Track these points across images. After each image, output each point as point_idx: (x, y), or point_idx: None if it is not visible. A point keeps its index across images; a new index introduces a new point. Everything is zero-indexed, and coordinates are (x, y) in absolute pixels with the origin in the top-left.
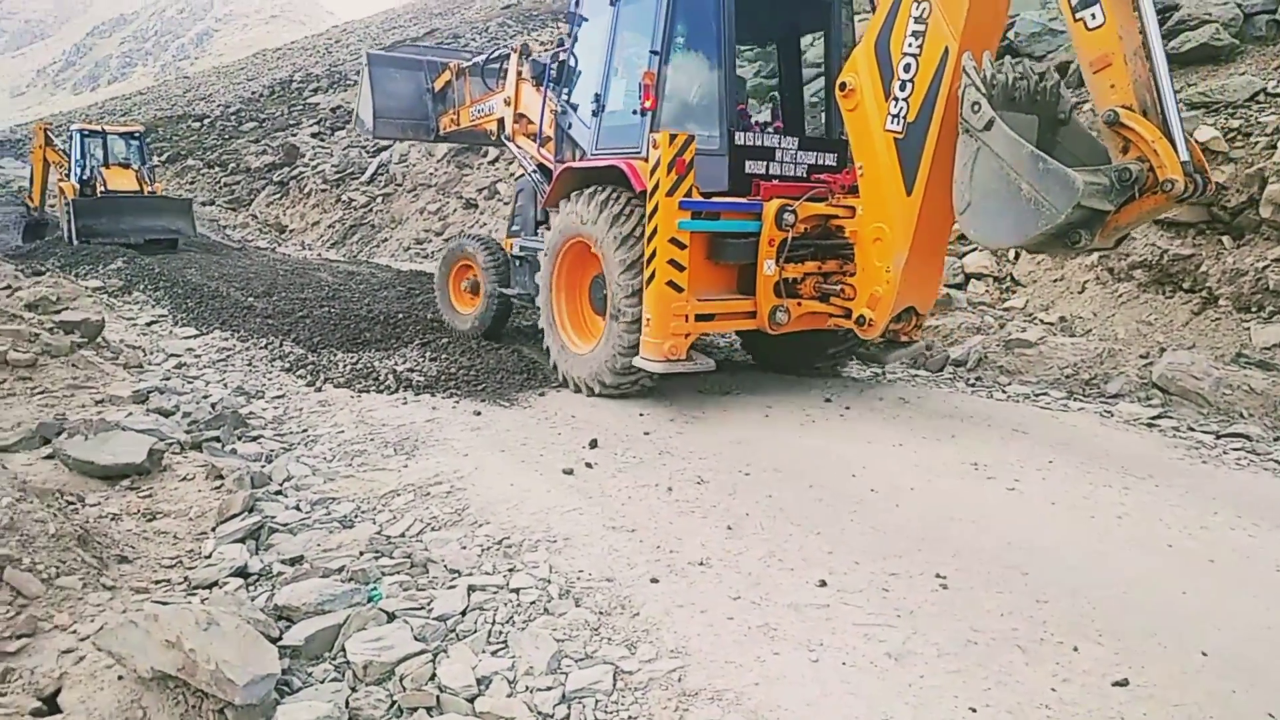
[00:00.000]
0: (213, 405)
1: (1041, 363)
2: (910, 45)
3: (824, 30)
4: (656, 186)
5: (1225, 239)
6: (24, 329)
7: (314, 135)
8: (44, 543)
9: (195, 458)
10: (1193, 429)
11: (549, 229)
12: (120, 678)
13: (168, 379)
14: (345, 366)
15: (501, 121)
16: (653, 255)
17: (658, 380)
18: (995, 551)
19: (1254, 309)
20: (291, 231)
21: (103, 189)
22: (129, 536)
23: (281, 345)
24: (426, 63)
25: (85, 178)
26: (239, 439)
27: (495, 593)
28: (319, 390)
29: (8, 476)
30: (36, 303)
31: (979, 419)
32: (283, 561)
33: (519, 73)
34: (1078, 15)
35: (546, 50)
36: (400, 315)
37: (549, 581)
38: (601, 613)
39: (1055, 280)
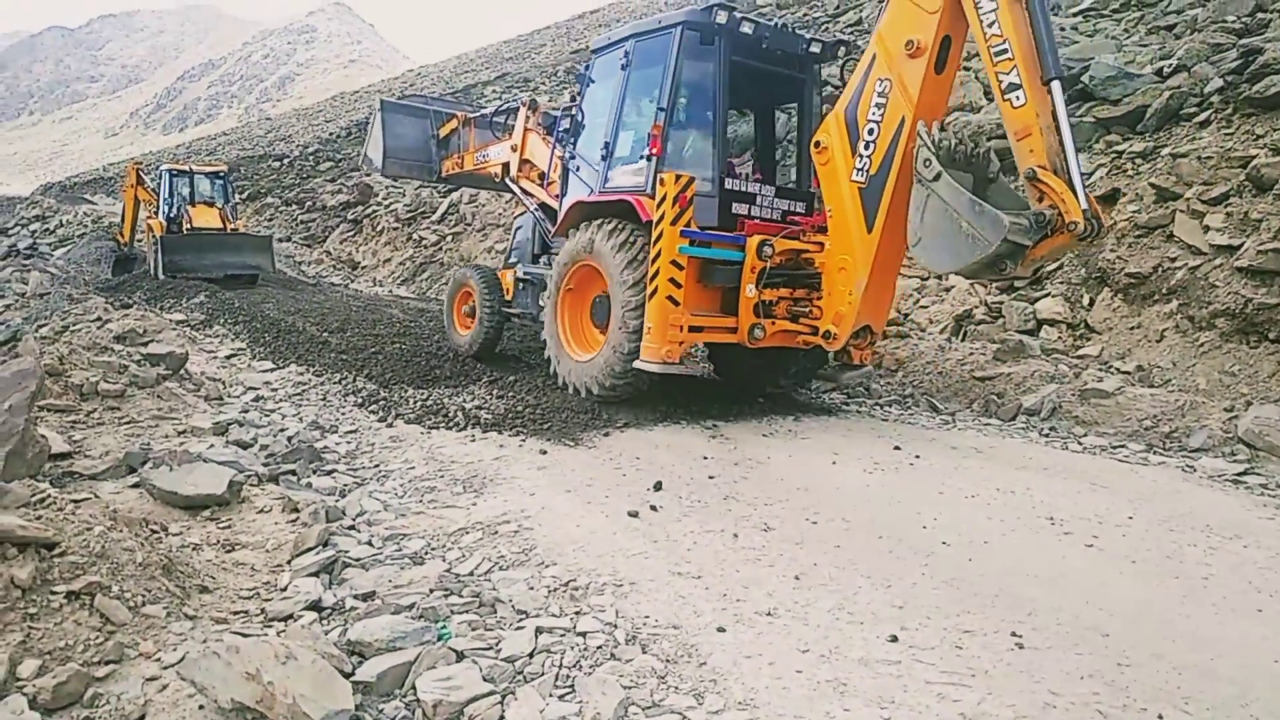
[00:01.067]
0: (289, 439)
1: (1119, 414)
2: (874, 114)
3: (797, 102)
4: (662, 217)
5: None
6: (114, 361)
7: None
8: (131, 571)
9: (272, 490)
10: None
11: (555, 255)
12: (201, 707)
13: (246, 411)
14: (416, 402)
15: (506, 166)
16: (655, 274)
17: (647, 385)
18: (1074, 611)
19: None
20: (364, 268)
21: (189, 226)
22: (209, 567)
23: (355, 380)
24: (433, 111)
25: (172, 215)
26: (314, 473)
27: (562, 635)
28: (390, 426)
29: (100, 505)
30: (125, 334)
31: (1054, 471)
32: (355, 596)
33: (527, 123)
34: (1005, 96)
35: (554, 106)
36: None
37: (615, 626)
38: (668, 660)
39: (1132, 328)
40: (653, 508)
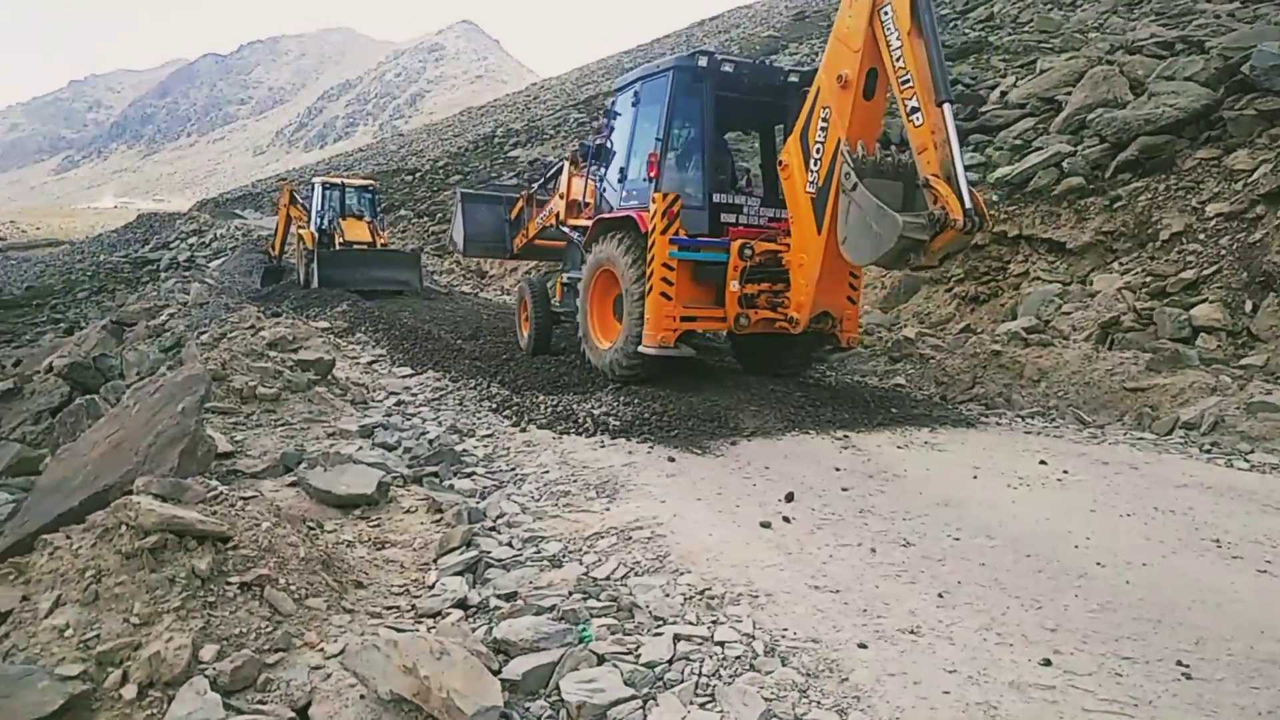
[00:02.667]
0: (430, 442)
1: None
2: (819, 136)
3: (783, 122)
4: (654, 229)
5: None
6: (269, 367)
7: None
8: (295, 565)
9: (416, 491)
10: None
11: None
12: (362, 697)
13: (389, 415)
14: (546, 408)
15: (558, 215)
16: (650, 274)
17: (657, 369)
18: (1247, 640)
19: None
20: (491, 277)
21: (340, 240)
22: (362, 563)
23: (488, 386)
24: (505, 198)
25: (323, 226)
26: (454, 475)
27: (700, 644)
28: (524, 430)
29: (265, 502)
30: (277, 342)
31: (1219, 490)
32: (499, 596)
33: (570, 169)
34: (909, 117)
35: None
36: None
37: (753, 637)
38: (809, 674)
39: None
40: (785, 519)
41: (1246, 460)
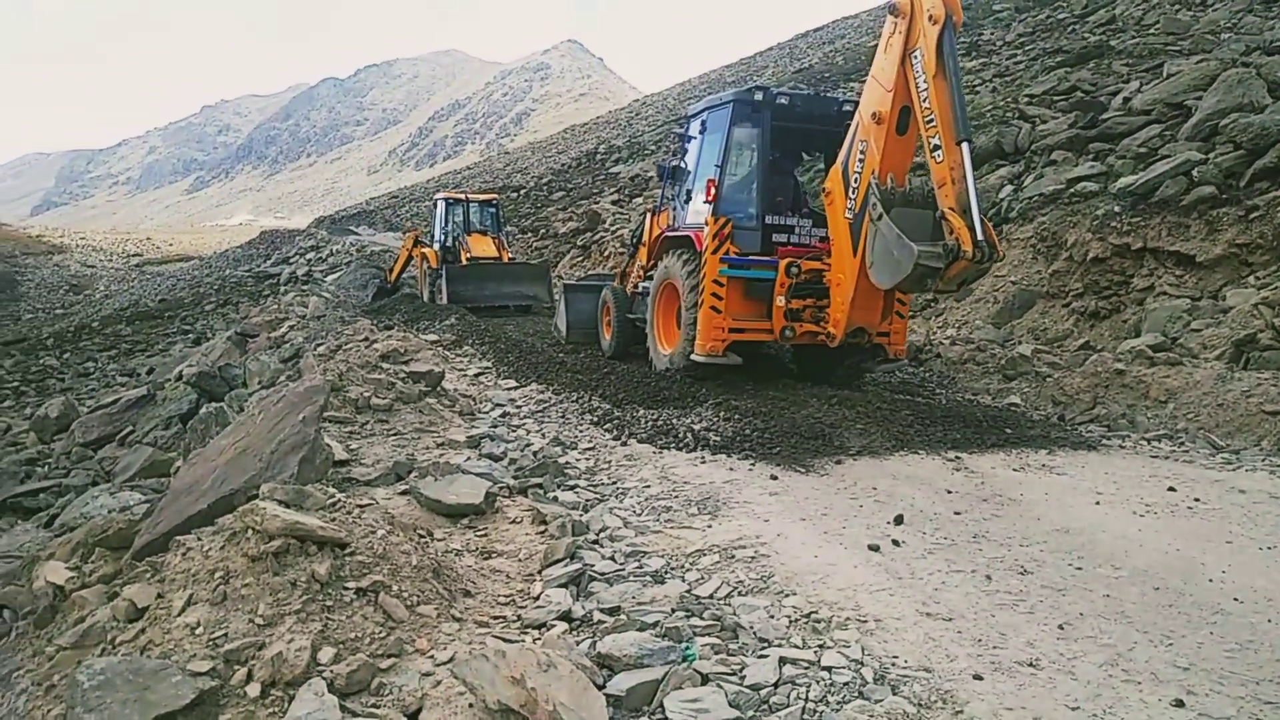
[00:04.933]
0: (534, 453)
1: None
2: (857, 167)
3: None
4: (706, 248)
5: None
6: (382, 378)
7: (614, 202)
8: (408, 573)
9: (521, 502)
10: None
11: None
12: (471, 705)
13: (495, 427)
14: (647, 423)
15: (642, 267)
16: (703, 289)
17: (715, 370)
18: None
19: None
20: None
21: (467, 255)
22: (469, 572)
23: (590, 399)
24: (606, 285)
25: (448, 244)
26: (559, 487)
27: (807, 668)
28: (624, 444)
29: (379, 510)
30: (389, 354)
31: None
32: (602, 610)
33: (651, 214)
34: (932, 154)
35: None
36: (695, 374)
37: (862, 664)
38: (921, 705)
39: None
40: (895, 542)
41: None
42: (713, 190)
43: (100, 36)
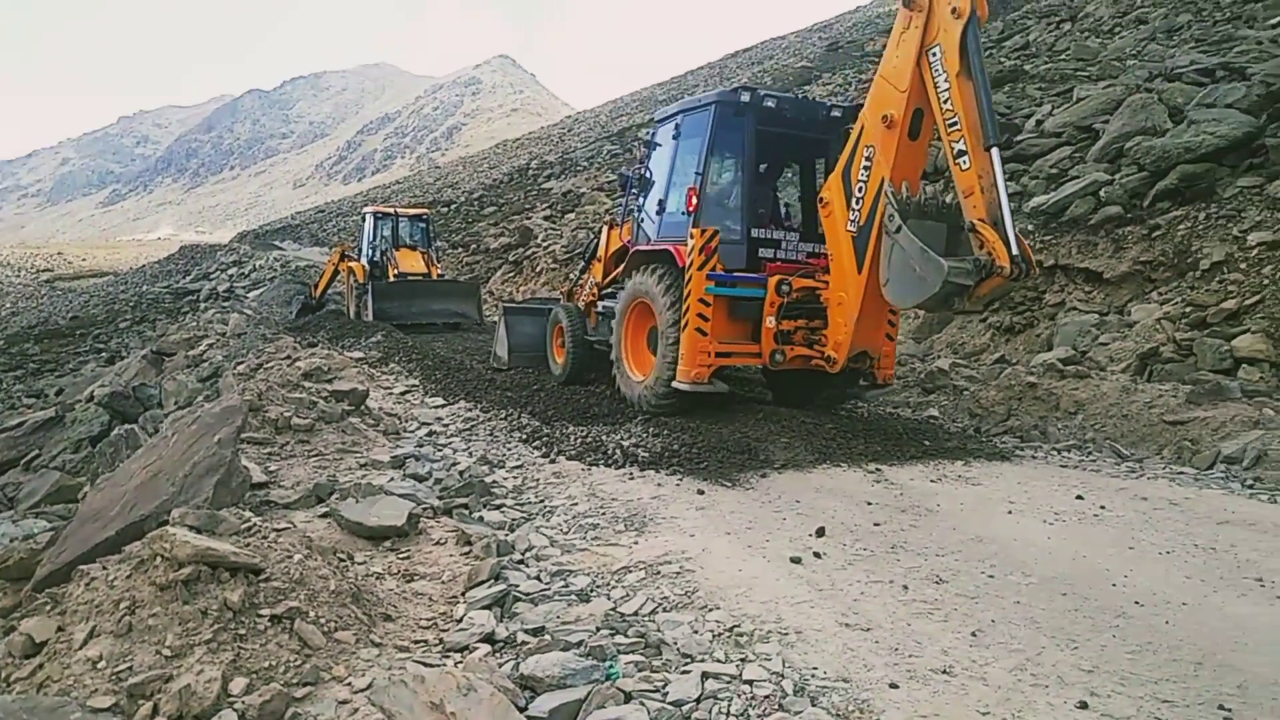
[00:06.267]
0: (460, 473)
1: None
2: (862, 175)
3: (824, 158)
4: (691, 264)
5: None
6: (304, 397)
7: (546, 218)
8: (325, 598)
9: (446, 523)
10: None
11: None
12: None
13: (421, 446)
14: (576, 439)
15: (597, 286)
16: (686, 310)
17: (689, 404)
18: None
19: None
20: None
21: (395, 271)
22: (391, 596)
23: (519, 417)
24: (547, 309)
25: (375, 259)
26: (484, 507)
27: (729, 682)
28: (553, 461)
29: (298, 534)
30: (312, 372)
31: (1263, 527)
32: (526, 631)
33: (609, 226)
34: (956, 160)
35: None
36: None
37: (783, 676)
38: (839, 715)
39: None
40: (816, 554)
41: None
42: (694, 200)
43: (8, 42)
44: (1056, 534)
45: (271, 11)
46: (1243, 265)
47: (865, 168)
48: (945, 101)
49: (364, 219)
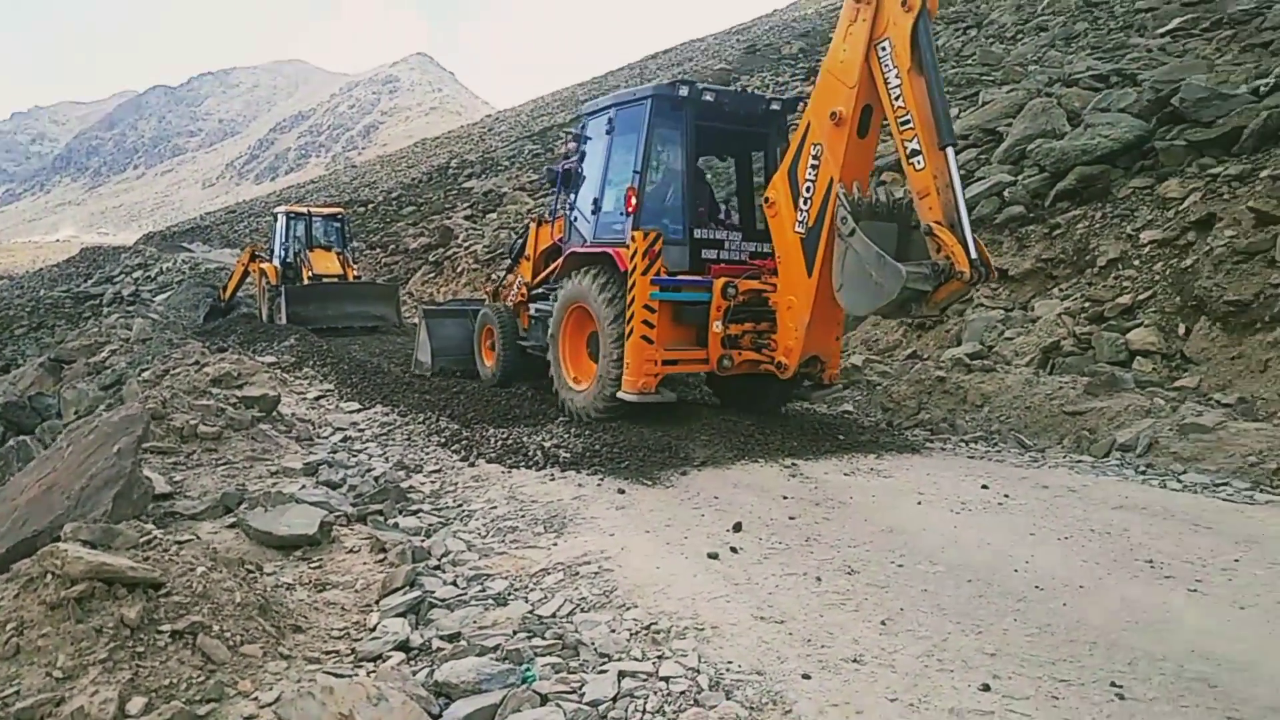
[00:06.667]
0: (376, 479)
1: (1221, 449)
2: (810, 175)
3: (764, 150)
4: (634, 268)
5: None
6: (212, 404)
7: (467, 218)
8: (231, 611)
9: (360, 530)
10: None
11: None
12: None
13: (335, 452)
14: (496, 441)
15: (526, 286)
16: (631, 316)
17: (659, 412)
18: (1178, 660)
19: None
20: None
21: (309, 273)
22: (301, 606)
23: (438, 420)
24: (470, 310)
25: (288, 260)
26: (400, 513)
27: (645, 680)
28: (472, 465)
29: (201, 546)
30: (221, 378)
31: (1153, 511)
32: (441, 637)
33: (537, 224)
34: (909, 160)
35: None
36: (547, 391)
37: (698, 671)
38: (753, 708)
39: (1233, 358)
40: (733, 549)
41: (1179, 481)
42: (634, 201)
43: None
44: (963, 523)
45: (177, 5)
46: (1136, 262)
47: (813, 166)
48: (897, 98)
49: (276, 219)
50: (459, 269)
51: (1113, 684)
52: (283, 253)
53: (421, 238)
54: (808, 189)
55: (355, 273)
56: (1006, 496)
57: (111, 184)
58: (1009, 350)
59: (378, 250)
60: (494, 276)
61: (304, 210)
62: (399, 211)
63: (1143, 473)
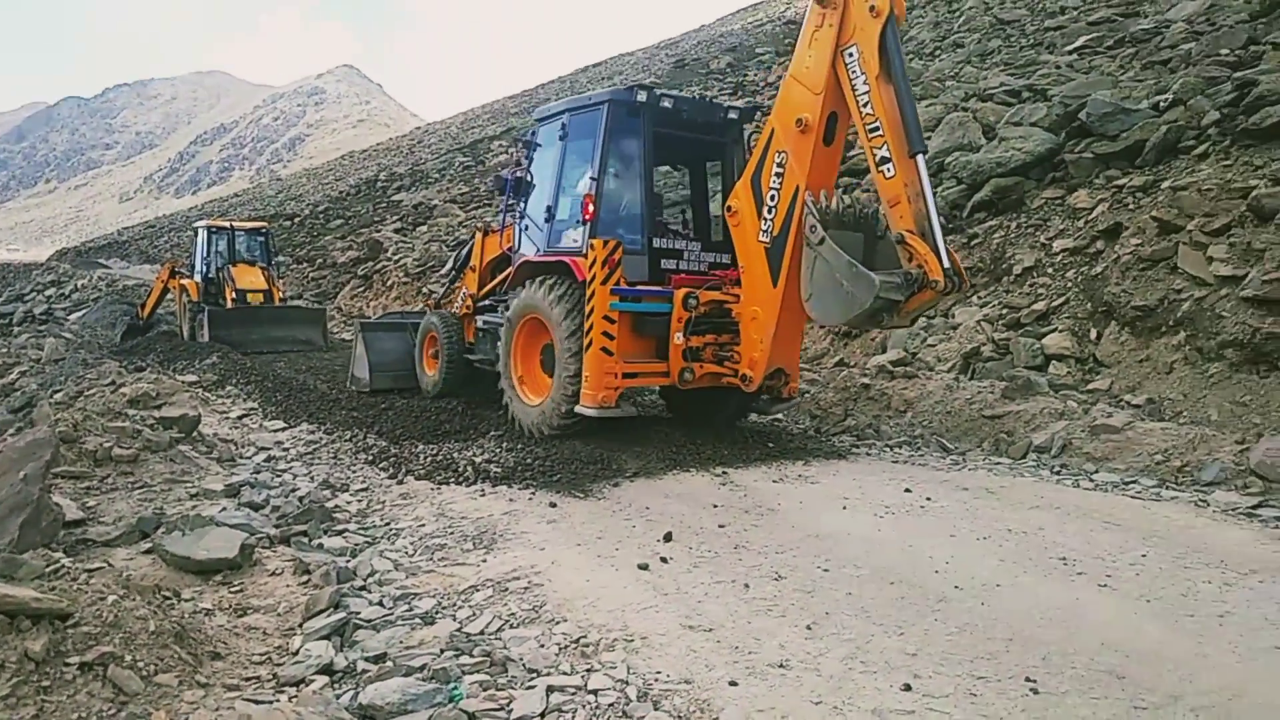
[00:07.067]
0: (300, 499)
1: (1130, 449)
2: (774, 182)
3: (721, 159)
4: (594, 278)
5: None
6: (127, 426)
7: (396, 231)
8: (144, 640)
9: (284, 552)
10: None
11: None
12: None
13: (258, 472)
14: (426, 458)
15: (472, 296)
16: (590, 328)
17: (595, 425)
18: (1088, 653)
19: None
20: None
21: (233, 289)
22: (221, 632)
23: (365, 438)
24: (409, 324)
25: (210, 275)
26: (325, 533)
27: (574, 694)
28: (401, 483)
29: (112, 574)
30: (138, 398)
31: (1066, 510)
32: (367, 659)
33: (483, 233)
34: (879, 168)
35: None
36: (478, 406)
37: (627, 683)
38: (680, 717)
39: (1140, 360)
40: (663, 559)
41: (1091, 480)
42: (591, 208)
43: None
44: (886, 526)
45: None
46: (1049, 270)
47: (777, 174)
48: (865, 105)
49: (197, 233)
50: (389, 282)
51: (1027, 679)
52: (204, 268)
53: (350, 251)
54: (772, 197)
55: (281, 292)
56: (929, 499)
57: (21, 198)
58: (931, 356)
59: (305, 265)
60: (427, 290)
61: (226, 225)
62: (326, 225)
63: (1057, 473)
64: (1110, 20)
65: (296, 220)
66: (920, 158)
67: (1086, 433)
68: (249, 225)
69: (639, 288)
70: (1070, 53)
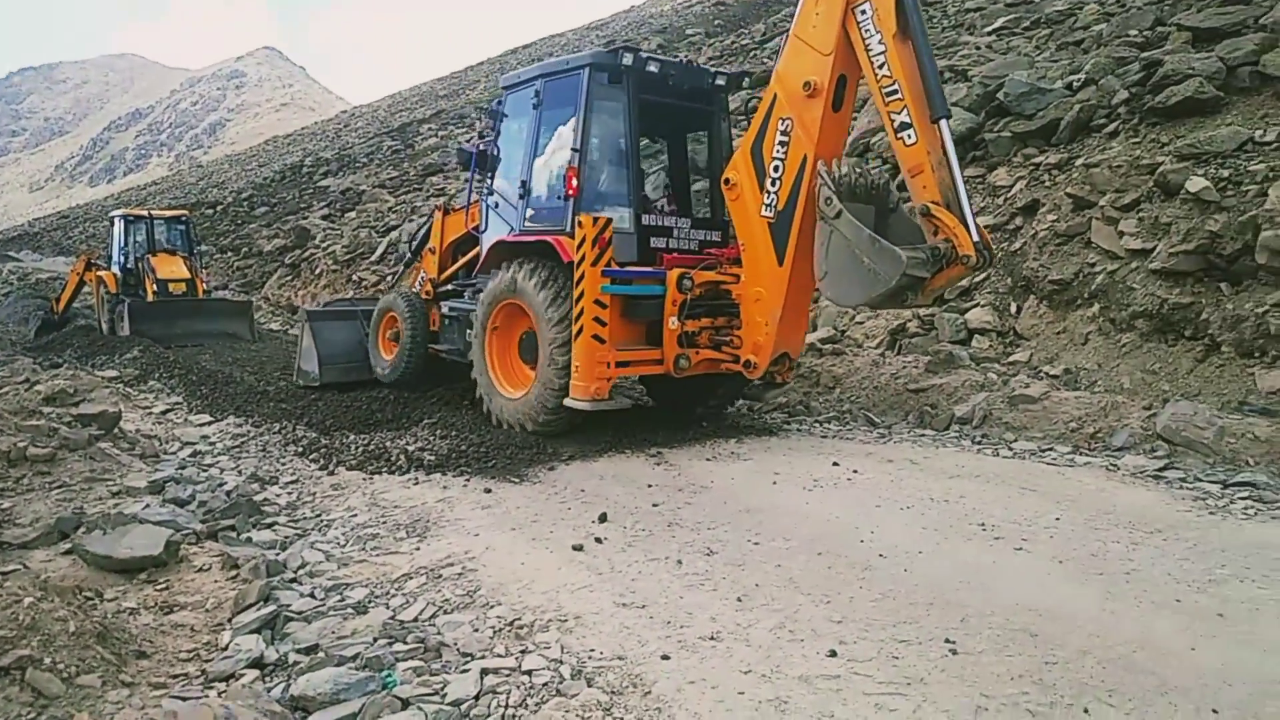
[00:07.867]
0: (227, 493)
1: (1046, 418)
2: (778, 152)
3: (707, 130)
4: (583, 259)
5: (1223, 286)
6: (43, 424)
7: (324, 217)
8: (64, 641)
9: (211, 547)
10: (1199, 479)
11: (479, 293)
12: None
13: (183, 468)
14: (357, 448)
15: (432, 282)
16: (580, 314)
17: (582, 419)
18: (1004, 614)
19: (1257, 354)
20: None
21: (154, 279)
22: (147, 631)
23: (295, 429)
24: (360, 311)
25: (128, 266)
26: (254, 527)
27: (508, 675)
28: (332, 474)
29: (29, 575)
30: (55, 396)
31: (986, 478)
32: (298, 651)
33: (443, 213)
34: (898, 135)
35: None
36: (410, 393)
37: (561, 662)
38: (613, 692)
39: (1058, 333)
40: (597, 540)
41: (1010, 449)
42: (575, 183)
43: None
44: (815, 499)
45: None
46: None
47: (781, 143)
48: (881, 67)
49: (113, 223)
50: (317, 270)
51: (947, 640)
52: (122, 259)
53: (276, 239)
54: (775, 168)
55: (205, 280)
56: (855, 472)
57: None
58: (860, 334)
59: (230, 254)
60: (357, 278)
61: (144, 213)
62: (251, 213)
63: (978, 443)
64: (1027, 1)
65: (219, 208)
66: (944, 122)
67: (1006, 403)
68: (169, 214)
69: (630, 269)
70: (989, 34)
